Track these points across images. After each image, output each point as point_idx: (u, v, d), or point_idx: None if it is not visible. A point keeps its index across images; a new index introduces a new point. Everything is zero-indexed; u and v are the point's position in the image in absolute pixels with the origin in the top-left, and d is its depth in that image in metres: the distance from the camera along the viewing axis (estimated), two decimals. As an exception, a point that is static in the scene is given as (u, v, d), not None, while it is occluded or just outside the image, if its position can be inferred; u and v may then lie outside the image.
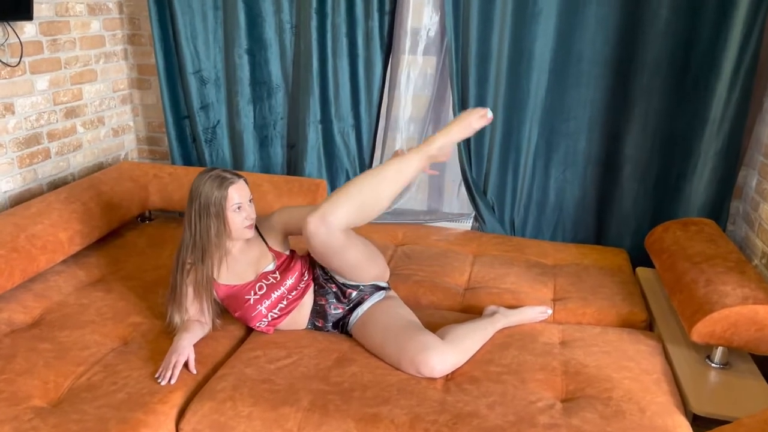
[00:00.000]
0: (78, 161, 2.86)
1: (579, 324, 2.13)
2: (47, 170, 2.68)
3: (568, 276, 2.40)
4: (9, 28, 2.36)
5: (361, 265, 1.92)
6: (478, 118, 1.84)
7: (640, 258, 2.60)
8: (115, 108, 3.09)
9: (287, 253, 2.03)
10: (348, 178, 2.89)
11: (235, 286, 1.93)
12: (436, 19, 2.68)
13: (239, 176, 1.90)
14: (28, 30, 2.49)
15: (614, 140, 2.60)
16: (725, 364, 1.87)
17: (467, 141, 2.70)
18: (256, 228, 1.99)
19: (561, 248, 2.66)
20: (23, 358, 1.76)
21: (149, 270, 2.31)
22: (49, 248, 2.14)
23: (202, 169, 2.53)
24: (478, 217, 2.82)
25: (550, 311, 2.11)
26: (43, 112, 2.63)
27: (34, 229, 2.14)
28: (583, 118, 2.59)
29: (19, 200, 2.52)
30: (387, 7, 2.62)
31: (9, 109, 2.45)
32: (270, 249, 1.98)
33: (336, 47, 2.69)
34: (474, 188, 2.75)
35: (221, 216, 1.84)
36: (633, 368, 1.82)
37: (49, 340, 1.86)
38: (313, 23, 2.64)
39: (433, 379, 1.75)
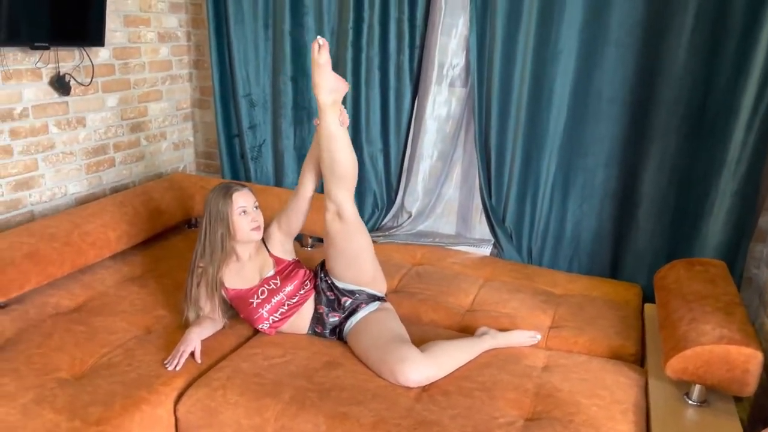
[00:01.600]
0: (139, 171, 3.20)
1: (569, 352, 2.19)
2: (111, 177, 3.03)
3: (571, 306, 2.46)
4: (84, 53, 2.73)
5: (366, 255, 2.14)
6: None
7: (654, 295, 2.61)
8: (177, 125, 3.43)
9: (289, 259, 2.22)
10: (375, 199, 3.07)
11: (241, 289, 2.14)
12: (462, 55, 2.84)
13: (243, 186, 2.14)
14: (102, 54, 2.86)
15: (631, 177, 2.64)
16: (703, 402, 1.89)
17: (487, 170, 2.82)
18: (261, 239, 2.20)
19: (574, 279, 2.71)
20: (59, 337, 2.05)
21: (183, 270, 2.55)
22: (98, 244, 2.45)
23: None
24: (497, 244, 2.92)
25: (539, 336, 2.20)
26: (111, 126, 2.98)
27: (87, 227, 2.45)
28: (600, 153, 2.65)
29: (84, 202, 2.86)
30: (417, 42, 2.81)
31: (81, 122, 2.81)
32: (271, 255, 2.18)
33: (369, 78, 2.89)
34: (493, 216, 2.86)
35: (226, 221, 2.07)
36: (605, 397, 1.88)
37: (85, 324, 2.15)
38: (349, 55, 2.87)
39: (408, 388, 1.88)
